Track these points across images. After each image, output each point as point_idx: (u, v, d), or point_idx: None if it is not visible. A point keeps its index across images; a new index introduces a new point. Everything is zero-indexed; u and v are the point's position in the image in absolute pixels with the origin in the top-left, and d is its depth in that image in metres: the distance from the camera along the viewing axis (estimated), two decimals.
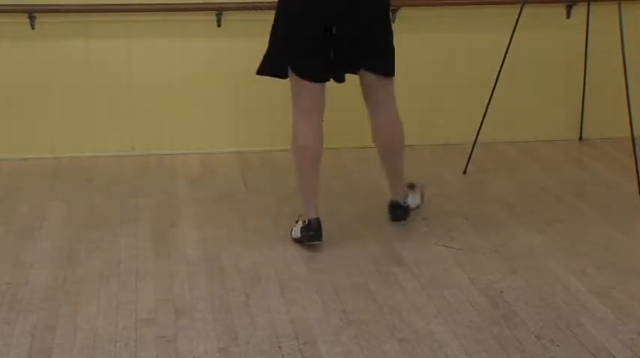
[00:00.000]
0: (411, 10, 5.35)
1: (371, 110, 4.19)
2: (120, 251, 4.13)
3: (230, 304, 3.62)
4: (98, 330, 3.42)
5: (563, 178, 5.10)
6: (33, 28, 5.23)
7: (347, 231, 4.33)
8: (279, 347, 3.31)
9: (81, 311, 3.56)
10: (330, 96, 4.10)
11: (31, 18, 5.21)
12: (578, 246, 4.17)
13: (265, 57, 4.06)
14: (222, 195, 4.84)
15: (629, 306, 3.60)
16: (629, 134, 4.91)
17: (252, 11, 5.24)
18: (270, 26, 4.05)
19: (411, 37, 4.81)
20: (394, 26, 4.14)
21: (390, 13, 4.13)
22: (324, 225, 4.09)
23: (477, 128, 5.14)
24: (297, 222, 4.18)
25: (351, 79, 4.08)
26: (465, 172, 5.15)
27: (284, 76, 4.04)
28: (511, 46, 5.01)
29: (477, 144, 5.17)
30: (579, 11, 5.52)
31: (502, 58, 5.03)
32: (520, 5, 5.00)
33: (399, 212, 4.39)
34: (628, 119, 4.89)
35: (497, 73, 5.04)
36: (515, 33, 5.00)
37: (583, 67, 5.53)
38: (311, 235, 4.09)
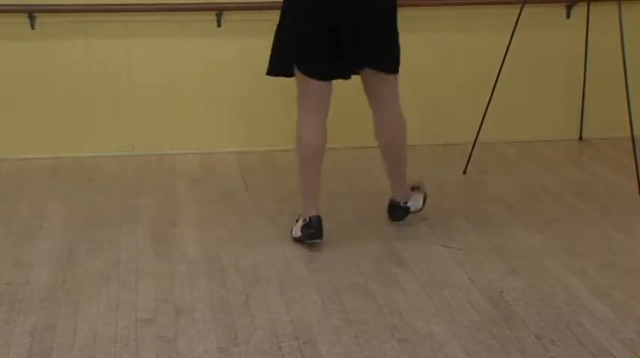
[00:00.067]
0: (411, 10, 5.33)
1: (374, 107, 4.18)
2: (120, 251, 4.13)
3: (230, 304, 3.62)
4: (98, 330, 3.41)
5: (563, 178, 5.09)
6: (33, 28, 5.23)
7: (347, 231, 4.32)
8: (279, 347, 3.30)
9: (81, 311, 3.56)
10: (331, 97, 4.10)
11: (31, 18, 5.21)
12: (578, 246, 4.17)
13: (272, 56, 4.07)
14: (222, 195, 4.84)
15: (629, 306, 3.60)
16: (629, 134, 4.91)
17: (252, 11, 5.25)
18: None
19: (411, 37, 4.75)
20: None
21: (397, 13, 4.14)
22: (324, 225, 4.09)
23: (477, 128, 5.14)
24: (297, 221, 4.18)
25: (353, 79, 4.08)
26: (465, 172, 5.15)
27: (290, 75, 4.05)
28: (511, 46, 5.01)
29: (476, 144, 5.16)
30: (579, 11, 5.52)
31: (502, 58, 5.03)
32: (520, 5, 5.00)
33: (397, 212, 4.39)
34: (628, 119, 4.89)
35: (497, 73, 5.04)
36: (515, 33, 5.00)
37: (583, 67, 5.52)
38: (312, 233, 4.08)
